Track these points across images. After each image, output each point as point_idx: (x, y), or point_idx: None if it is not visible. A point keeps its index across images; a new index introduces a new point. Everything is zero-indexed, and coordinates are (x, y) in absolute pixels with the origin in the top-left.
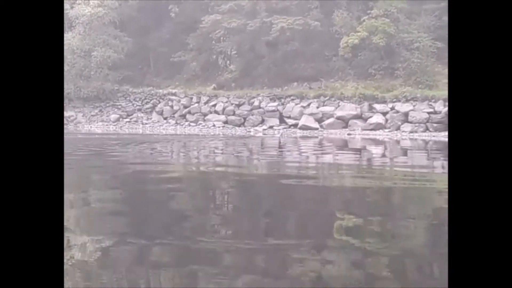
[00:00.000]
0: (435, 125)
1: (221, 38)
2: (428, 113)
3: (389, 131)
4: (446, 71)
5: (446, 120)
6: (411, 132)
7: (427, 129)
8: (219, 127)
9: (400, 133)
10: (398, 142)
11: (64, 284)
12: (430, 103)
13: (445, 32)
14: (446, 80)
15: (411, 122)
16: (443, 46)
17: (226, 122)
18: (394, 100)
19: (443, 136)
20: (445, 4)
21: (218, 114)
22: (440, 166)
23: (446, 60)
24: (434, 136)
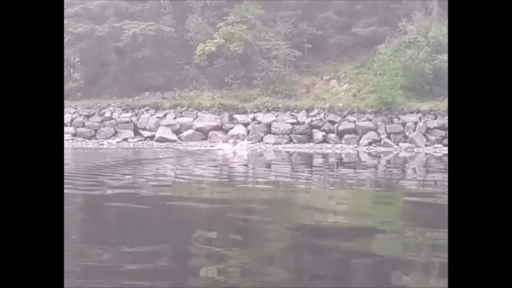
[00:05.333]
0: (299, 136)
1: (65, 44)
2: (292, 123)
3: (251, 143)
4: (303, 80)
5: (309, 131)
6: (274, 143)
7: (291, 140)
8: (68, 140)
9: (264, 145)
10: (261, 154)
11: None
12: (292, 113)
13: (300, 40)
14: (304, 90)
15: (274, 133)
16: (300, 54)
17: (75, 135)
18: (255, 110)
19: (307, 148)
20: (301, 11)
21: (66, 126)
22: (304, 178)
23: (304, 69)
24: (299, 147)
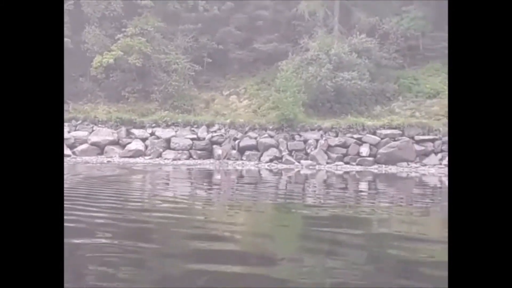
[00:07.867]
0: (199, 152)
1: None
2: (192, 139)
3: (150, 159)
4: (202, 95)
5: (210, 147)
6: (174, 159)
7: (190, 156)
8: None
9: (163, 161)
10: (159, 170)
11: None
12: (192, 128)
13: (200, 54)
14: (203, 105)
15: (173, 149)
16: (200, 69)
17: None
18: (154, 125)
19: (208, 164)
20: (201, 25)
21: None
22: (205, 196)
23: (203, 84)
24: (199, 164)
